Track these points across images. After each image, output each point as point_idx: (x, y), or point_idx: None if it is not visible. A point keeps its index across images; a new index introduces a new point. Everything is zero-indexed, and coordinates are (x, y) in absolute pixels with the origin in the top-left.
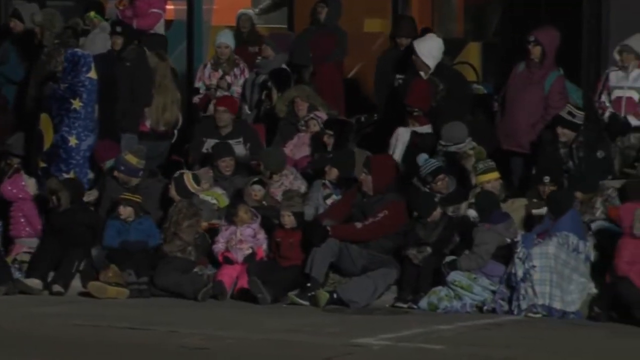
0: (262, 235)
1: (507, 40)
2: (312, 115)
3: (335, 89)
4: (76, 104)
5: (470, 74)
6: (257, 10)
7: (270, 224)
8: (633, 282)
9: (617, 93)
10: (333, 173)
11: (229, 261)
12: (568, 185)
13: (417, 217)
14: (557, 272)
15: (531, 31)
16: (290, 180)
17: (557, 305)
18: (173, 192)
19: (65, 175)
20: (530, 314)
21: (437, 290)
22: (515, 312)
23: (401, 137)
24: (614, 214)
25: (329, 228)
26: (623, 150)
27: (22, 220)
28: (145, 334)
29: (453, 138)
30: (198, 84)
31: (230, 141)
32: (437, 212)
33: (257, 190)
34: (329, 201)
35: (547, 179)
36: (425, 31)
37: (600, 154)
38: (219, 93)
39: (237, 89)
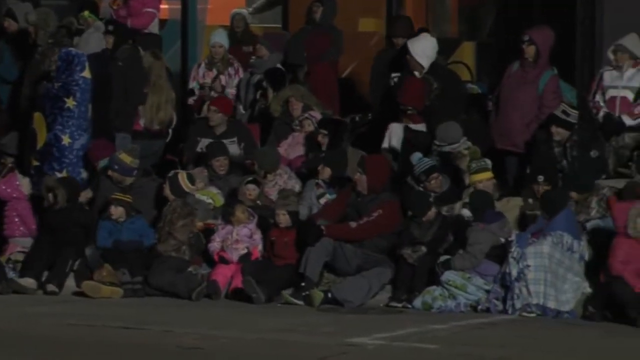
0: (258, 236)
1: (501, 40)
2: (306, 115)
3: (330, 88)
4: (70, 102)
5: (465, 74)
6: (250, 9)
7: (264, 223)
8: (627, 281)
9: (611, 93)
10: (326, 172)
11: (224, 261)
12: (563, 185)
13: (412, 216)
14: (551, 272)
15: (525, 31)
16: (284, 180)
17: (551, 304)
18: (167, 192)
19: (58, 174)
20: (525, 314)
21: (432, 290)
22: (510, 311)
23: (394, 134)
24: (612, 203)
25: (323, 227)
26: (617, 149)
27: (16, 219)
28: (140, 333)
29: (447, 138)
30: (192, 83)
31: (225, 141)
32: (432, 212)
33: (251, 190)
34: (322, 201)
35: (540, 178)
36: (421, 31)
37: (594, 153)
38: (213, 94)
39: (231, 91)
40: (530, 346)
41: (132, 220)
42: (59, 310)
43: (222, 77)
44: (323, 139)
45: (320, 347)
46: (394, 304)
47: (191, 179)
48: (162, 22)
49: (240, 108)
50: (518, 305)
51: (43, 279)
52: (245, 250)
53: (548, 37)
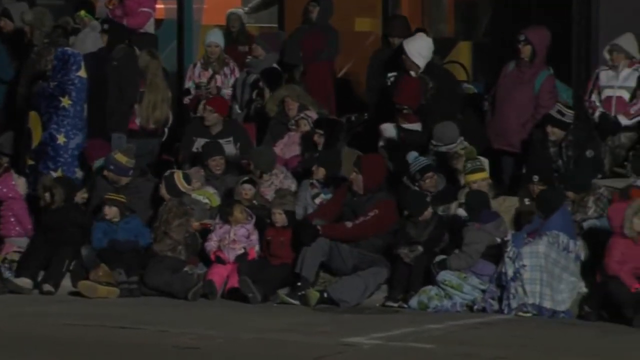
0: (255, 237)
1: (498, 39)
2: (302, 114)
3: (326, 88)
4: (65, 102)
5: (461, 74)
6: (246, 9)
7: (260, 223)
8: (623, 281)
9: (607, 92)
10: (320, 172)
11: (220, 261)
12: (559, 184)
13: (408, 216)
14: (547, 271)
15: (521, 30)
16: (280, 180)
17: (547, 304)
18: (163, 191)
19: (53, 173)
20: (521, 313)
21: (427, 290)
22: (506, 311)
23: (386, 133)
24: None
25: (319, 227)
26: (613, 149)
27: (12, 219)
28: (136, 333)
29: (445, 138)
30: (188, 83)
31: (221, 140)
32: (428, 212)
33: (247, 190)
34: (317, 201)
35: (536, 178)
36: (418, 32)
37: (589, 153)
38: (209, 94)
39: (227, 92)
40: (526, 346)
41: (127, 220)
42: (56, 310)
43: (218, 77)
44: (319, 139)
45: (317, 346)
46: (390, 303)
47: (187, 179)
48: (158, 22)
49: (236, 108)
50: (514, 305)
51: (39, 278)
52: (242, 251)
53: (544, 36)
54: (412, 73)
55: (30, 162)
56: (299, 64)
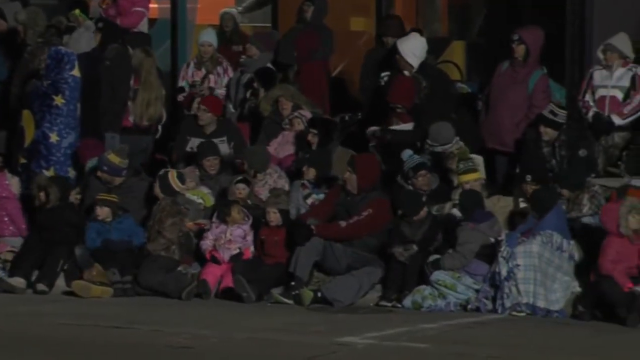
0: (251, 237)
1: (491, 39)
2: (296, 113)
3: (320, 87)
4: (58, 100)
5: (455, 73)
6: (240, 9)
7: (254, 222)
8: (617, 281)
9: (601, 92)
10: (311, 173)
11: (215, 260)
12: (553, 183)
13: (402, 215)
14: (541, 271)
15: (515, 30)
16: (274, 179)
17: (541, 303)
18: (157, 190)
19: (45, 172)
20: (514, 313)
21: (421, 289)
22: (499, 310)
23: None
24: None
25: (313, 227)
26: (607, 149)
27: (6, 219)
28: (130, 333)
29: (440, 139)
30: (182, 83)
31: (214, 140)
32: (423, 211)
33: (241, 189)
34: (309, 201)
35: (529, 177)
36: (413, 31)
37: (582, 152)
38: (203, 93)
39: (220, 92)
40: (520, 345)
41: (120, 220)
42: (50, 309)
43: (211, 77)
44: (313, 139)
45: (310, 346)
46: (383, 303)
47: (181, 178)
48: (152, 21)
49: (230, 107)
50: (508, 304)
51: (32, 278)
52: (238, 251)
53: (538, 36)
54: (406, 73)
55: (23, 161)
56: (293, 63)
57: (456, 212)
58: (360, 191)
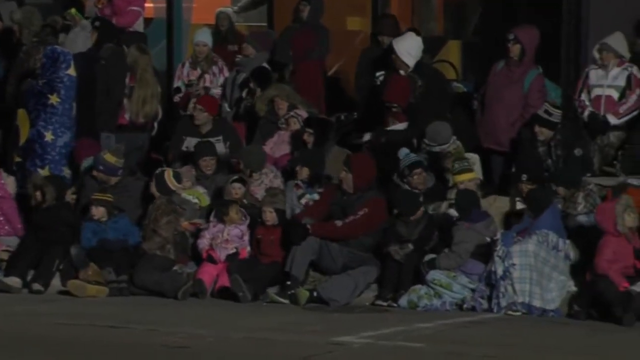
0: (248, 237)
1: (487, 38)
2: (292, 113)
3: (316, 87)
4: (53, 99)
5: (450, 72)
6: (235, 8)
7: (250, 222)
8: (612, 280)
9: (596, 91)
10: (304, 172)
11: (212, 260)
12: (548, 182)
13: (398, 214)
14: (536, 270)
15: (511, 29)
16: (270, 179)
17: (536, 303)
18: (153, 189)
19: (40, 171)
20: (510, 312)
21: (417, 289)
22: (495, 310)
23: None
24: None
25: (309, 226)
26: (602, 148)
27: (1, 218)
28: (126, 332)
29: (438, 139)
30: (177, 82)
31: (210, 139)
32: (420, 210)
33: (237, 189)
34: (303, 201)
35: (524, 177)
36: (409, 31)
37: (578, 152)
38: (199, 93)
39: (216, 92)
40: (515, 344)
41: (116, 220)
42: (45, 309)
43: (207, 76)
44: (309, 138)
45: (306, 345)
46: (379, 302)
47: (177, 177)
48: (147, 21)
49: (226, 106)
50: (503, 303)
51: (28, 277)
52: (234, 250)
53: (533, 36)
54: (402, 72)
55: (18, 160)
56: (289, 62)
57: (452, 211)
58: (356, 190)
